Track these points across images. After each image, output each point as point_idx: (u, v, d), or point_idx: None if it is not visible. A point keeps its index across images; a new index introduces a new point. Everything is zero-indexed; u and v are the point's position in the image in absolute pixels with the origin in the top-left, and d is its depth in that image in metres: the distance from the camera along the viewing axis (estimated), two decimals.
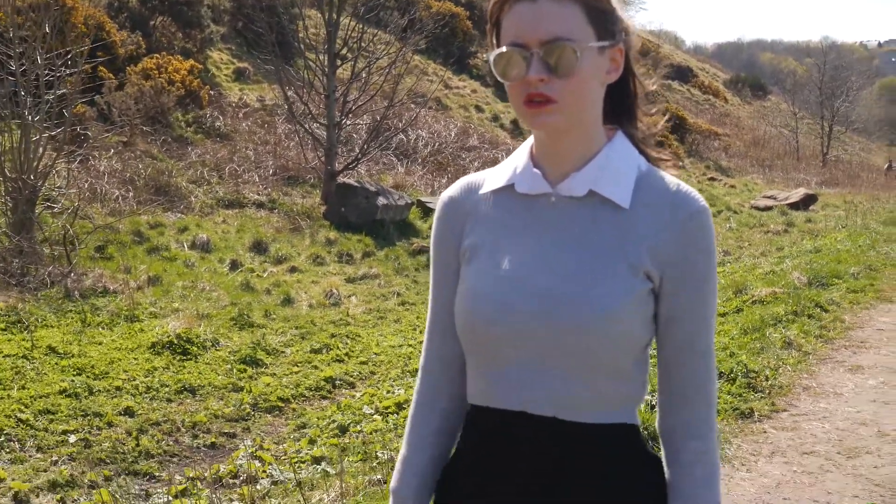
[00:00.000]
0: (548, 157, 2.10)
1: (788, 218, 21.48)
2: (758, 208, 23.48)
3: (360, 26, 17.74)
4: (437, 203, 2.27)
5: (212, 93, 21.16)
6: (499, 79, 2.00)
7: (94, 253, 12.53)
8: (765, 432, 7.09)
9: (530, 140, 2.15)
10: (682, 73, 44.98)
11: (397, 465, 2.31)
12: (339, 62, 17.76)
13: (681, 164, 25.57)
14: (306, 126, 17.77)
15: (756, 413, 7.47)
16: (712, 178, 28.24)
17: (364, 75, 18.06)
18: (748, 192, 26.90)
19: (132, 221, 13.88)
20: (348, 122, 18.83)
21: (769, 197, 24.53)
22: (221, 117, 20.44)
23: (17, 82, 12.19)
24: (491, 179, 2.18)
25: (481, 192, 2.18)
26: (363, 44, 17.91)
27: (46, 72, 12.29)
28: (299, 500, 5.87)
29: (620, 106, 2.15)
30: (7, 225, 11.73)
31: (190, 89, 19.99)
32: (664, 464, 2.12)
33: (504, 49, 1.98)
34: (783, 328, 9.86)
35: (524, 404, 2.03)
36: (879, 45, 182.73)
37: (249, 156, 18.73)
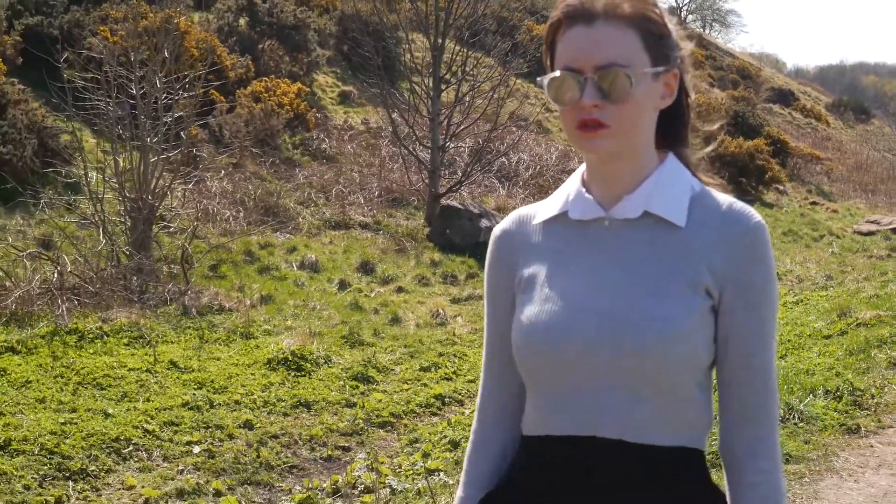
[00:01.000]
0: (599, 182, 2.09)
1: (892, 243, 21.18)
2: (861, 233, 23.18)
3: (464, 51, 18.00)
4: (490, 237, 2.28)
5: (318, 115, 21.55)
6: (552, 102, 2.01)
7: (209, 272, 12.95)
8: (871, 447, 7.20)
9: (581, 168, 2.15)
10: (784, 97, 44.56)
11: None
12: (443, 86, 18.05)
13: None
14: (410, 148, 18.08)
15: (863, 429, 7.58)
16: (814, 203, 27.95)
17: (467, 99, 18.32)
18: (850, 216, 26.56)
19: (243, 241, 14.29)
20: (451, 145, 19.08)
21: (872, 222, 24.19)
22: (327, 140, 20.83)
23: (137, 105, 12.60)
24: (543, 210, 2.17)
25: (534, 222, 2.18)
26: (467, 68, 18.18)
27: (164, 95, 12.72)
28: (428, 502, 6.11)
29: (671, 130, 2.14)
30: (127, 243, 12.16)
31: (297, 112, 20.37)
32: (726, 486, 2.08)
33: (558, 73, 1.98)
34: (888, 349, 9.86)
35: (592, 428, 2.00)
36: None
37: (355, 178, 19.07)
